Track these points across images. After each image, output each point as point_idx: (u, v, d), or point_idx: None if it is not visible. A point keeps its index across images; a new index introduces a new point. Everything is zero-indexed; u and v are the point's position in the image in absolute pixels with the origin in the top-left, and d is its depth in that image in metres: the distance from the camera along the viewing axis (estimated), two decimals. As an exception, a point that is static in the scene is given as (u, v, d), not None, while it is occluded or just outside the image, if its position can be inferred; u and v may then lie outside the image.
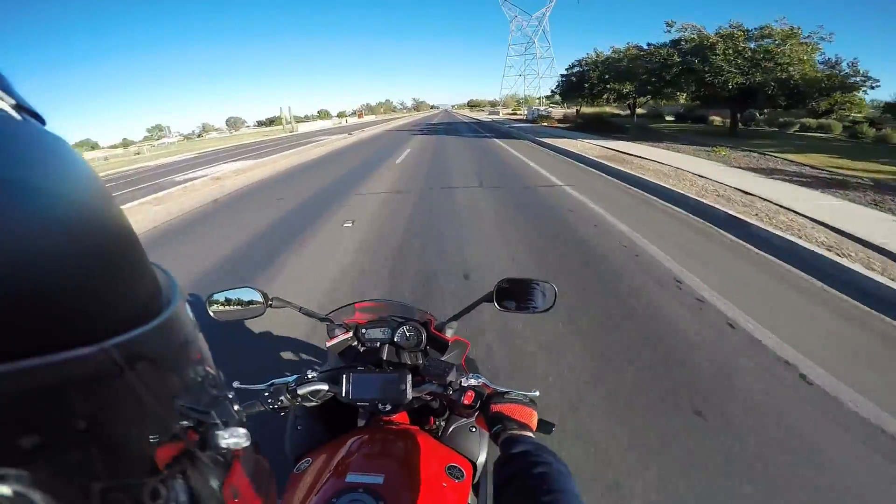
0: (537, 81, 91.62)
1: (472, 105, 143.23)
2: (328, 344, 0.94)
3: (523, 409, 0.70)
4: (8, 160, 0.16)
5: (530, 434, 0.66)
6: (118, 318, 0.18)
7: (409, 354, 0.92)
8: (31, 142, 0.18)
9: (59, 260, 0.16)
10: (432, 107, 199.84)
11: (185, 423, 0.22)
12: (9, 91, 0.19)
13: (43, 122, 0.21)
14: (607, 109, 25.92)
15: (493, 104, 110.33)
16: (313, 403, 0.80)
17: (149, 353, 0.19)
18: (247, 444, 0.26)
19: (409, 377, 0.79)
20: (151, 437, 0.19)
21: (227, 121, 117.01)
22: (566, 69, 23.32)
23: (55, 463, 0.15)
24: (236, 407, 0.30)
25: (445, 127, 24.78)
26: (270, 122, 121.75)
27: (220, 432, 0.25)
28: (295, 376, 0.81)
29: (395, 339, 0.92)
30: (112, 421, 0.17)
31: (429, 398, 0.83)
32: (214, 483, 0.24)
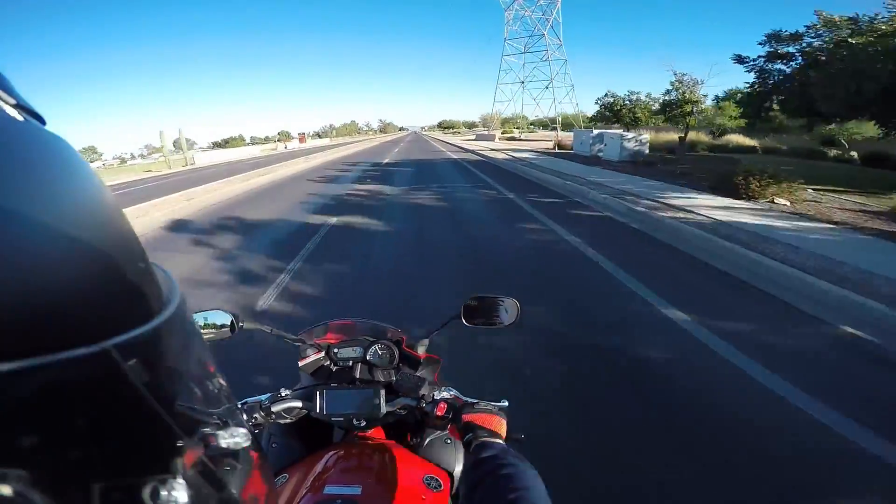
0: (546, 92, 54.21)
1: (444, 127, 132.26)
2: (300, 364, 0.97)
3: (493, 418, 0.75)
4: (8, 160, 0.16)
5: (500, 441, 0.71)
6: (118, 318, 0.18)
7: (381, 372, 0.96)
8: (31, 142, 0.19)
9: (59, 260, 0.16)
10: (400, 128, 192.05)
11: (185, 423, 0.23)
12: (9, 91, 0.20)
13: (43, 122, 0.21)
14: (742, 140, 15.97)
15: (472, 125, 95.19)
16: (288, 421, 0.83)
17: (149, 354, 0.20)
18: (247, 444, 0.27)
19: (383, 392, 0.83)
20: (152, 437, 0.20)
21: (174, 142, 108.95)
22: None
23: (55, 463, 0.15)
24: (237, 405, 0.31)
25: (414, 171, 13.18)
26: (225, 142, 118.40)
27: (220, 432, 0.26)
28: (268, 395, 0.84)
29: (368, 358, 0.95)
30: (112, 421, 0.18)
31: (403, 412, 0.86)
32: (214, 483, 0.25)
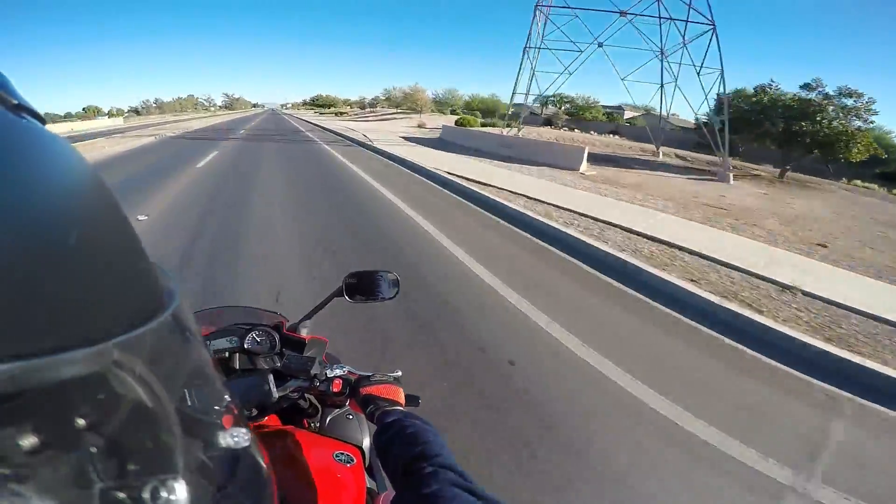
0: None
1: (319, 105, 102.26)
2: None
3: (390, 388, 0.81)
4: (8, 160, 0.17)
5: (400, 408, 0.77)
6: (118, 317, 0.19)
7: (263, 360, 0.93)
8: (31, 142, 0.19)
9: (60, 260, 0.16)
10: (254, 105, 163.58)
11: (185, 422, 0.23)
12: (9, 91, 0.20)
13: (43, 122, 0.22)
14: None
15: (361, 105, 73.22)
16: None
17: (149, 353, 0.20)
18: (247, 443, 0.28)
19: (272, 377, 0.81)
20: (152, 437, 0.21)
21: None
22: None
23: (55, 463, 0.16)
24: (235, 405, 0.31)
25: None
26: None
27: (220, 432, 0.27)
28: None
29: (246, 346, 0.92)
30: (112, 421, 0.18)
31: (296, 396, 0.86)
32: (214, 482, 0.25)
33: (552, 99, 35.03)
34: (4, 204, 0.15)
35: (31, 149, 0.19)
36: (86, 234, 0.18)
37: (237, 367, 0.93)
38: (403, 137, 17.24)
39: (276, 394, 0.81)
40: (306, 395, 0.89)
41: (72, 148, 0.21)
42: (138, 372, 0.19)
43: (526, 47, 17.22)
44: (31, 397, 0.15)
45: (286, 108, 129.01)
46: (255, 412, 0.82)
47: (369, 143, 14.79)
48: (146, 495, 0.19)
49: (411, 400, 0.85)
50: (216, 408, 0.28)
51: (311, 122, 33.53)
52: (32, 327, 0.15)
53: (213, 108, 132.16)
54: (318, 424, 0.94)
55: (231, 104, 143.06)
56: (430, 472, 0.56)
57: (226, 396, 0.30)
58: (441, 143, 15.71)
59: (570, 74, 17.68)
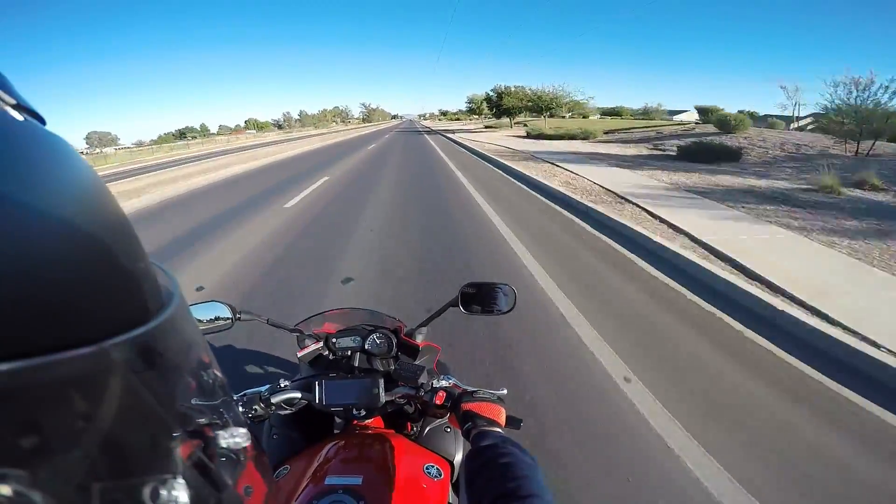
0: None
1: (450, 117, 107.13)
2: (299, 354, 1.04)
3: (492, 407, 0.82)
4: (8, 160, 0.18)
5: (499, 430, 0.77)
6: (118, 317, 0.20)
7: (380, 361, 1.03)
8: (31, 142, 0.20)
9: (59, 260, 0.17)
10: (393, 117, 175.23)
11: (185, 423, 0.25)
12: (9, 91, 0.21)
13: (43, 121, 0.23)
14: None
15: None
16: (288, 412, 0.90)
17: (149, 353, 0.21)
18: (247, 443, 0.30)
19: (382, 381, 0.90)
20: (152, 437, 0.22)
21: (86, 137, 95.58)
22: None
23: (55, 463, 0.17)
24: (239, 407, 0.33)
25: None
26: (182, 134, 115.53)
27: (220, 432, 0.28)
28: (267, 386, 0.91)
29: (366, 347, 1.03)
30: (112, 421, 0.19)
31: (402, 402, 0.94)
32: (215, 483, 0.26)
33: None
34: (4, 203, 0.16)
35: (30, 148, 0.20)
36: (85, 233, 0.19)
37: (356, 365, 1.04)
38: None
39: (383, 398, 0.90)
40: (412, 401, 0.96)
41: (71, 148, 0.22)
42: (138, 372, 0.20)
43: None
44: (30, 397, 0.16)
45: (424, 119, 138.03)
46: (362, 412, 0.91)
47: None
48: (146, 495, 0.20)
49: (512, 422, 0.85)
50: (216, 407, 0.29)
51: (448, 138, 27.12)
52: (31, 326, 0.16)
53: (353, 120, 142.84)
54: (417, 429, 1.00)
55: (369, 115, 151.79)
56: None
57: (226, 396, 0.31)
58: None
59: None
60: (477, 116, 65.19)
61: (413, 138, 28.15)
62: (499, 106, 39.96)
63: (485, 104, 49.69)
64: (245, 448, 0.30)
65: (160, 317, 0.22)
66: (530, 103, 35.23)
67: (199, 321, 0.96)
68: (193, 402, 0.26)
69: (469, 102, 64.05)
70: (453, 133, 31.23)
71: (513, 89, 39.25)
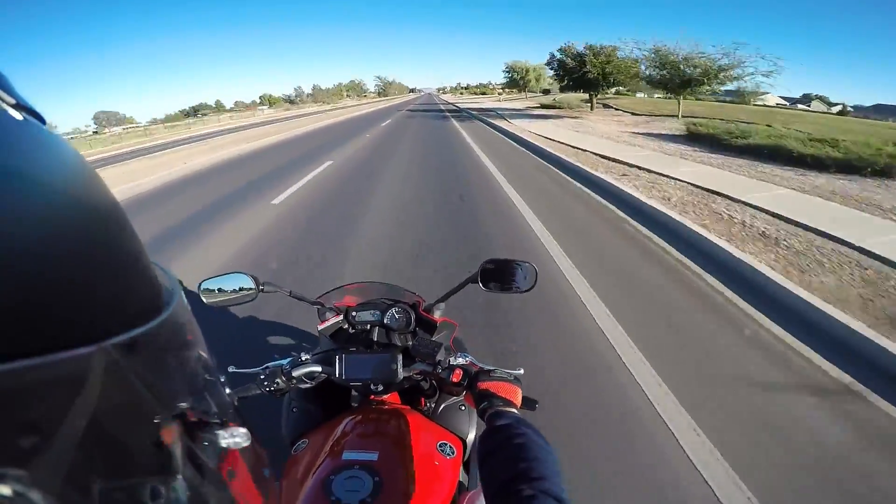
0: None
1: (473, 91, 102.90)
2: (319, 327, 1.07)
3: (508, 387, 0.82)
4: (7, 160, 0.18)
5: (514, 410, 0.78)
6: (118, 317, 0.20)
7: (398, 336, 1.06)
8: (30, 141, 0.20)
9: (59, 259, 0.18)
10: (411, 90, 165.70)
11: (185, 423, 0.25)
12: (9, 90, 0.21)
13: (43, 121, 0.23)
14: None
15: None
16: (308, 385, 0.92)
17: (149, 353, 0.22)
18: (247, 443, 0.30)
19: (400, 357, 0.92)
20: (151, 436, 0.22)
21: (94, 116, 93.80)
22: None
23: (55, 463, 0.17)
24: (228, 391, 0.34)
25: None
26: (195, 111, 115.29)
27: (219, 432, 0.28)
28: (289, 359, 0.93)
29: (385, 321, 1.05)
30: (112, 421, 0.19)
31: (419, 378, 0.96)
32: (215, 482, 0.27)
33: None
34: (4, 203, 0.16)
35: (30, 147, 0.20)
36: (85, 233, 0.20)
37: (375, 340, 1.06)
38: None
39: (401, 374, 0.92)
40: (428, 378, 0.98)
41: (71, 147, 0.22)
42: (138, 371, 0.21)
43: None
44: (30, 396, 0.16)
45: (444, 93, 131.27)
46: (380, 388, 0.94)
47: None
48: (146, 495, 0.21)
49: (528, 403, 0.86)
50: (216, 407, 0.29)
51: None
52: (31, 326, 0.16)
53: (368, 94, 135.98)
54: (432, 405, 1.02)
55: (384, 89, 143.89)
56: (529, 495, 0.55)
57: (226, 396, 0.31)
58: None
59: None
60: (517, 91, 52.31)
61: (430, 140, 13.68)
62: (576, 75, 21.27)
63: (543, 72, 33.42)
64: (252, 455, 0.31)
65: (161, 316, 0.23)
66: (663, 72, 16.99)
67: (224, 291, 1.00)
68: (193, 400, 0.27)
69: (509, 72, 46.72)
70: (501, 119, 17.96)
71: (608, 50, 20.57)
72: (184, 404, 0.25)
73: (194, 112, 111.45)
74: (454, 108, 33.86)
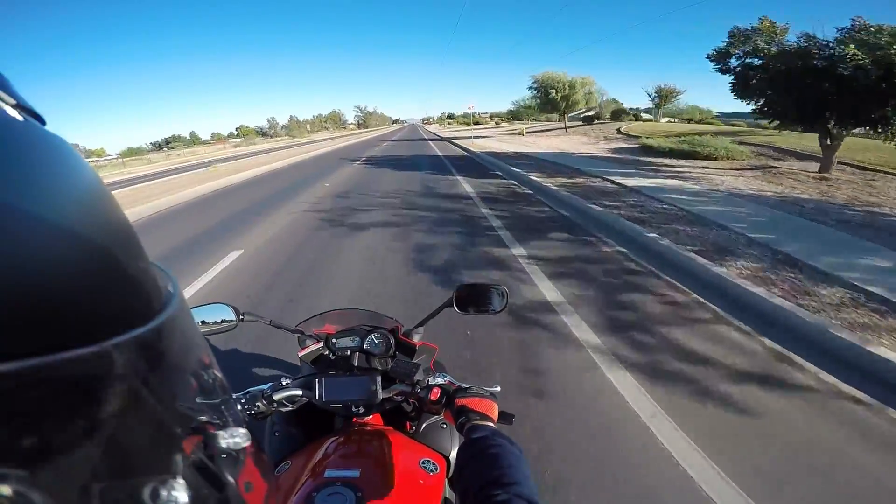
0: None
1: (456, 120, 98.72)
2: (300, 354, 1.11)
3: (485, 402, 0.87)
4: (8, 160, 0.18)
5: (491, 423, 0.82)
6: (118, 317, 0.20)
7: (378, 360, 1.09)
8: (31, 141, 0.20)
9: (59, 260, 0.18)
10: (394, 121, 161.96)
11: (185, 423, 0.25)
12: (9, 91, 0.22)
13: (43, 122, 0.23)
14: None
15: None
16: (289, 409, 0.95)
17: (149, 353, 0.22)
18: (247, 443, 0.30)
19: (379, 379, 0.96)
20: (152, 437, 0.22)
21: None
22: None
23: (55, 463, 0.17)
24: (238, 406, 0.33)
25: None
26: (167, 143, 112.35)
27: (220, 432, 0.29)
28: (270, 384, 0.96)
29: (365, 347, 1.09)
30: (112, 421, 0.19)
31: (399, 399, 1.00)
32: (214, 483, 0.27)
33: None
34: (4, 204, 0.17)
35: (30, 149, 0.20)
36: (86, 234, 0.20)
37: (355, 365, 1.10)
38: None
39: (380, 395, 0.96)
40: (409, 399, 1.02)
41: (71, 148, 0.23)
42: (138, 372, 0.21)
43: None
44: (31, 396, 0.16)
45: (429, 123, 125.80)
46: (361, 409, 0.97)
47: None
48: (146, 495, 0.21)
49: (505, 417, 0.90)
50: (216, 407, 0.30)
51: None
52: (32, 327, 0.16)
53: (349, 126, 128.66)
54: (415, 426, 1.06)
55: (365, 120, 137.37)
56: (504, 500, 0.58)
57: (226, 395, 0.32)
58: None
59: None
60: (544, 118, 48.98)
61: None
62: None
63: (595, 87, 30.46)
64: (245, 447, 0.31)
65: (161, 317, 0.23)
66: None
67: (205, 322, 1.01)
68: (194, 401, 0.27)
69: (538, 88, 34.03)
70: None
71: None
72: (184, 404, 0.26)
73: (166, 144, 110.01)
74: (455, 148, 21.35)
